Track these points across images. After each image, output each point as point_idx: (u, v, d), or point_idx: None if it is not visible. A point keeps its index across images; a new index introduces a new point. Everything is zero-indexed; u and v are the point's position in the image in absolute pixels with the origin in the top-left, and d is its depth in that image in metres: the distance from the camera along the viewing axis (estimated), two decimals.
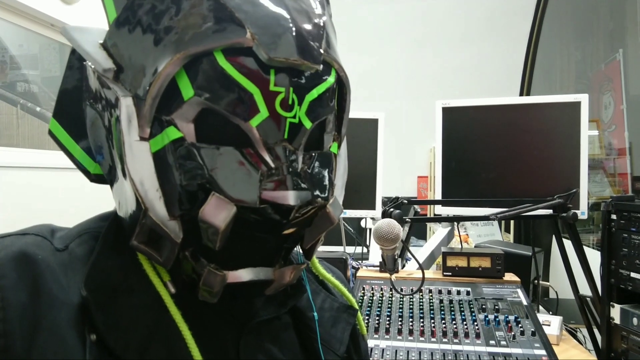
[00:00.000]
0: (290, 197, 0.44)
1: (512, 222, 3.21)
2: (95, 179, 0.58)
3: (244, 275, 0.46)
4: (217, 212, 0.42)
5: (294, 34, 0.44)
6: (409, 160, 4.10)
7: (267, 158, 0.44)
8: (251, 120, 0.43)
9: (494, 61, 3.88)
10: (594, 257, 1.36)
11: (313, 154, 0.48)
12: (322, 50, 0.46)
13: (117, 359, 0.44)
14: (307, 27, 0.45)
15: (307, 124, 0.46)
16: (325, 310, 0.62)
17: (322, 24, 0.47)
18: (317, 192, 0.47)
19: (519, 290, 1.34)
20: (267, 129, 0.44)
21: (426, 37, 4.07)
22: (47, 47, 2.82)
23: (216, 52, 0.42)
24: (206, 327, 0.50)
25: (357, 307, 0.66)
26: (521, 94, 3.83)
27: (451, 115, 1.60)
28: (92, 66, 0.48)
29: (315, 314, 0.59)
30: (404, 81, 4.10)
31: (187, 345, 0.46)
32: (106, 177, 0.53)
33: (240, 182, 0.43)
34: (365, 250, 2.12)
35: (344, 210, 1.71)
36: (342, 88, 0.52)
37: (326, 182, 0.49)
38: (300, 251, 0.55)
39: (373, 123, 1.73)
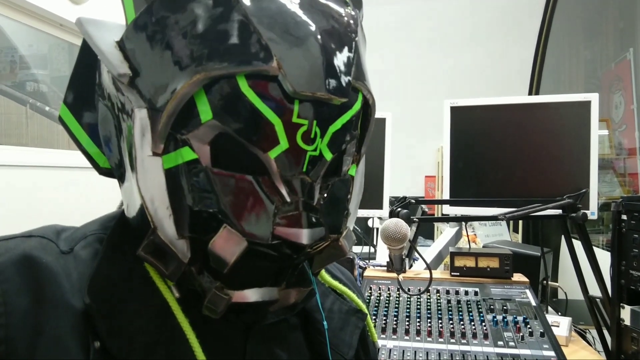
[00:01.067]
0: (304, 236, 0.42)
1: (520, 222, 3.19)
2: (105, 172, 0.56)
3: (250, 295, 0.45)
4: (228, 246, 0.41)
5: (322, 65, 0.41)
6: (416, 160, 4.08)
7: (284, 191, 0.42)
8: (270, 151, 0.41)
9: (502, 60, 3.86)
10: (604, 258, 1.34)
11: (330, 183, 0.47)
12: (351, 79, 0.43)
13: None
14: (338, 54, 0.43)
15: (328, 156, 0.44)
16: (334, 312, 0.61)
17: (353, 47, 0.44)
18: (330, 228, 0.46)
19: (527, 291, 1.33)
20: (286, 162, 0.42)
21: (435, 36, 4.05)
22: (57, 47, 2.84)
23: (239, 77, 0.40)
24: (212, 331, 0.49)
25: (366, 311, 0.64)
26: (530, 94, 3.80)
27: (459, 115, 1.59)
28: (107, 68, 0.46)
29: (325, 321, 0.58)
30: (412, 80, 4.09)
31: (193, 350, 0.45)
32: (114, 172, 0.51)
33: (254, 215, 0.42)
34: (372, 250, 2.11)
35: None
36: (367, 109, 0.50)
37: (341, 214, 0.48)
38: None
39: (381, 122, 1.73)
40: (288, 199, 0.42)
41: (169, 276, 0.44)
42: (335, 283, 0.63)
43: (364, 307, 0.64)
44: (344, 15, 0.45)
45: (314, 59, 0.41)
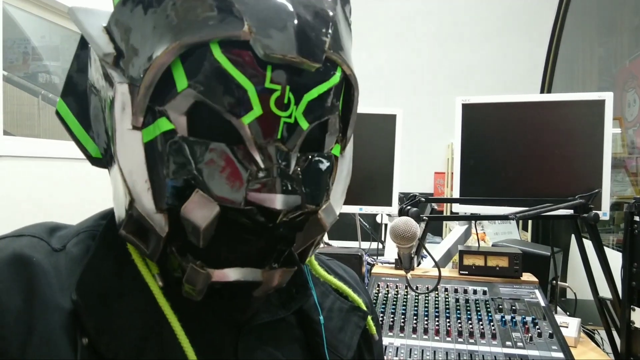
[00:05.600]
0: (277, 201, 0.42)
1: (530, 221, 3.17)
2: (96, 161, 0.56)
3: (230, 274, 0.44)
4: (199, 211, 0.41)
5: (295, 29, 0.41)
6: (426, 156, 4.07)
7: (258, 158, 0.42)
8: (243, 117, 0.41)
9: (514, 57, 3.83)
10: (614, 258, 1.33)
11: (310, 156, 0.46)
12: (326, 47, 0.43)
13: None
14: (312, 22, 0.43)
15: (304, 125, 0.44)
16: (334, 312, 0.60)
17: (329, 19, 0.44)
18: (308, 197, 0.45)
19: (536, 291, 1.33)
20: (260, 128, 0.42)
21: (447, 32, 4.03)
22: (68, 38, 2.85)
23: (212, 44, 0.41)
24: (203, 329, 0.49)
25: (365, 309, 0.63)
26: (542, 91, 3.77)
27: (471, 112, 1.57)
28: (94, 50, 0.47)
29: (322, 317, 0.57)
30: (423, 76, 4.07)
31: (182, 347, 0.45)
32: (102, 158, 0.52)
33: (227, 180, 0.42)
34: (380, 246, 2.11)
35: (360, 207, 1.70)
36: (349, 88, 0.49)
37: (320, 186, 0.47)
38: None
39: (391, 119, 1.72)
40: (262, 165, 0.42)
41: (149, 255, 0.45)
42: (330, 277, 0.62)
43: (362, 304, 0.62)
44: None
45: (286, 25, 0.41)
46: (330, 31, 0.44)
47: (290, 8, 0.42)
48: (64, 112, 0.55)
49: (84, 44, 0.54)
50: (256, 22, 0.41)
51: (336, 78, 0.45)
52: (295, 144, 0.44)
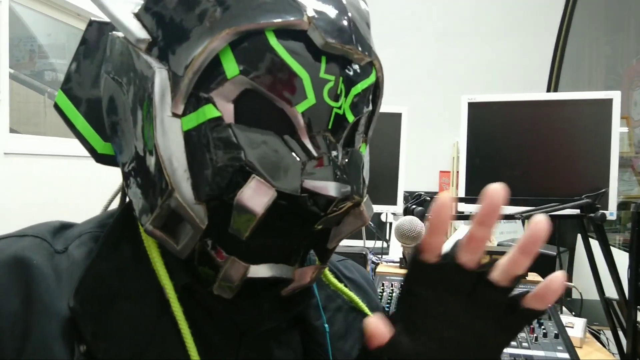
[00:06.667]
0: (332, 189, 0.41)
1: None
2: (102, 158, 0.54)
3: (265, 271, 0.43)
4: (257, 197, 0.39)
5: (350, 23, 0.43)
6: (431, 155, 4.05)
7: (310, 147, 0.42)
8: (297, 105, 0.41)
9: (521, 55, 3.80)
10: (620, 258, 1.32)
11: (348, 151, 0.46)
12: (371, 42, 0.45)
13: None
14: (359, 18, 0.45)
15: (350, 118, 0.44)
16: (338, 318, 0.57)
17: (369, 20, 0.47)
18: (355, 188, 0.44)
19: None
20: (313, 117, 0.42)
21: (454, 30, 4.01)
22: (74, 36, 2.86)
23: (268, 32, 0.40)
24: (204, 335, 0.47)
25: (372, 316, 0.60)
26: (548, 90, 3.75)
27: (477, 111, 1.57)
28: (122, 36, 0.45)
29: (326, 325, 0.54)
30: (428, 74, 4.05)
31: (187, 352, 0.43)
32: (117, 157, 0.49)
33: (282, 168, 0.41)
34: (385, 245, 2.10)
35: None
36: (376, 90, 0.49)
37: (361, 179, 0.47)
38: (314, 255, 0.52)
39: (396, 117, 1.72)
40: (315, 154, 0.42)
41: (180, 250, 0.42)
42: (340, 286, 0.59)
43: (366, 309, 0.59)
44: None
45: (341, 15, 0.42)
46: (369, 29, 0.46)
47: (344, 2, 0.44)
48: (65, 105, 0.52)
49: (89, 37, 0.52)
50: (314, 12, 0.41)
51: (373, 76, 0.46)
52: (341, 137, 0.44)
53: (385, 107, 1.88)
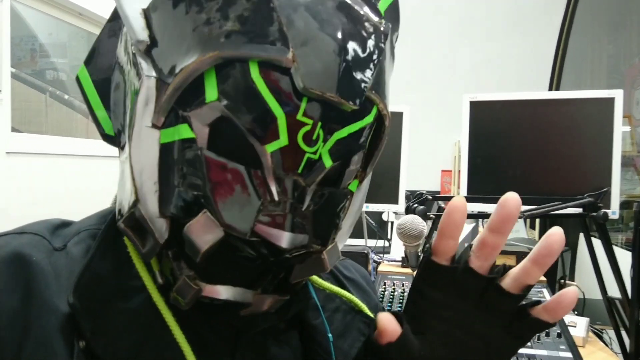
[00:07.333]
0: (284, 239, 0.40)
1: (537, 219, 3.16)
2: (108, 138, 0.53)
3: (221, 292, 0.42)
4: (202, 233, 0.39)
5: (339, 66, 0.39)
6: (432, 154, 4.05)
7: (273, 189, 0.40)
8: (268, 145, 0.39)
9: (523, 55, 3.79)
10: (623, 257, 1.32)
11: (325, 192, 0.43)
12: (366, 86, 0.41)
13: None
14: (358, 59, 0.40)
15: (327, 163, 0.42)
16: (337, 317, 0.56)
17: (376, 57, 0.42)
18: (316, 236, 0.43)
19: (544, 290, 1.32)
20: (282, 159, 0.40)
21: (455, 29, 4.01)
22: (76, 35, 2.86)
23: (251, 62, 0.38)
24: (199, 336, 0.47)
25: (371, 315, 0.59)
26: (550, 88, 3.74)
27: (479, 110, 1.56)
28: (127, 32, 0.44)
29: (330, 335, 0.53)
30: (430, 73, 4.05)
31: (182, 350, 0.43)
32: (115, 139, 0.49)
33: (237, 207, 0.40)
34: (387, 244, 2.10)
35: (366, 204, 1.70)
36: (381, 125, 0.47)
37: (330, 225, 0.45)
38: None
39: (398, 116, 1.71)
40: (276, 198, 0.40)
41: (144, 255, 0.43)
42: (336, 288, 0.58)
43: (365, 309, 0.59)
44: (374, 25, 0.43)
45: (330, 58, 0.39)
46: (374, 70, 0.42)
47: (339, 40, 0.40)
48: (85, 80, 0.51)
49: (114, 17, 0.51)
50: (301, 50, 0.38)
51: (370, 117, 0.43)
52: (314, 180, 0.42)
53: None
